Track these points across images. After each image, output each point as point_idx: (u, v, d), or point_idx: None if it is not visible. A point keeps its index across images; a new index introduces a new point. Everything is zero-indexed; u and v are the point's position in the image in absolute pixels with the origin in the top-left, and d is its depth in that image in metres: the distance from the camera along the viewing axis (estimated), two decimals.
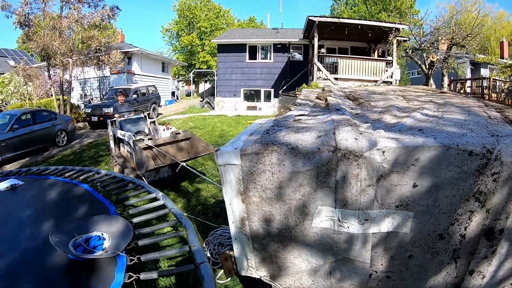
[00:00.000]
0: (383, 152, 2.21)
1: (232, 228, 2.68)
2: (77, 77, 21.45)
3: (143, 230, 3.34)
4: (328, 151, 2.26)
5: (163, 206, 3.82)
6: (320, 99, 4.24)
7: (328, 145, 2.27)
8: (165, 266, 4.17)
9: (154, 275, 2.54)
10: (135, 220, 3.57)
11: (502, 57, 25.10)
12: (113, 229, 3.10)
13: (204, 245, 4.74)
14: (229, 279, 4.19)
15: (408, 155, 2.20)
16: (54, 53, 17.04)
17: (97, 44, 18.30)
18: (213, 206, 5.98)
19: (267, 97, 21.97)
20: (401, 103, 3.90)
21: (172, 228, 4.43)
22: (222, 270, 3.48)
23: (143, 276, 2.50)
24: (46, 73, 19.56)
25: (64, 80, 18.58)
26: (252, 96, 22.37)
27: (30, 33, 16.86)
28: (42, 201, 4.52)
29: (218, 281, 4.22)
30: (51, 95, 19.25)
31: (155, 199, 4.08)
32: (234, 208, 2.57)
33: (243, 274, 2.89)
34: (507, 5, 49.21)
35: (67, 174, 5.72)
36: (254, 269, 2.80)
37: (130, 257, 2.69)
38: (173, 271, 2.66)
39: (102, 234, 3.01)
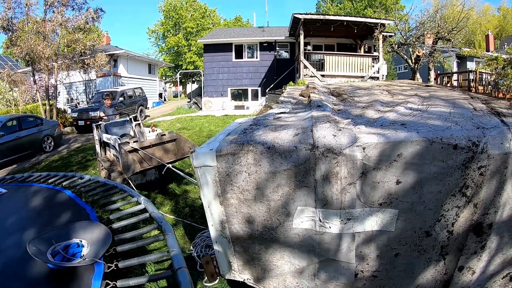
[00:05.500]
0: (364, 148, 2.13)
1: (212, 231, 2.60)
2: (62, 81, 21.21)
3: (123, 236, 3.28)
4: (305, 150, 2.18)
5: (144, 210, 3.75)
6: (303, 96, 4.16)
7: (306, 143, 2.19)
8: (152, 271, 4.09)
9: (131, 282, 2.48)
10: (115, 225, 3.51)
11: (488, 50, 25.34)
12: (92, 235, 3.07)
13: (191, 247, 4.66)
14: (216, 281, 4.10)
15: (390, 151, 2.13)
16: (38, 57, 16.71)
17: (82, 47, 17.96)
18: (201, 208, 5.88)
19: (255, 96, 21.94)
20: (386, 97, 3.85)
21: (158, 231, 4.37)
22: None
23: (120, 283, 2.45)
24: (32, 78, 19.28)
25: (49, 85, 18.29)
26: (239, 95, 22.32)
27: (13, 38, 16.51)
28: (24, 208, 4.52)
29: (206, 285, 4.14)
30: (37, 100, 18.95)
31: (137, 203, 4.00)
32: (213, 211, 2.49)
33: (226, 278, 2.81)
34: None
35: (50, 181, 5.66)
36: (237, 272, 2.73)
37: (108, 264, 2.64)
38: (151, 278, 2.59)
39: (81, 241, 3.01)
